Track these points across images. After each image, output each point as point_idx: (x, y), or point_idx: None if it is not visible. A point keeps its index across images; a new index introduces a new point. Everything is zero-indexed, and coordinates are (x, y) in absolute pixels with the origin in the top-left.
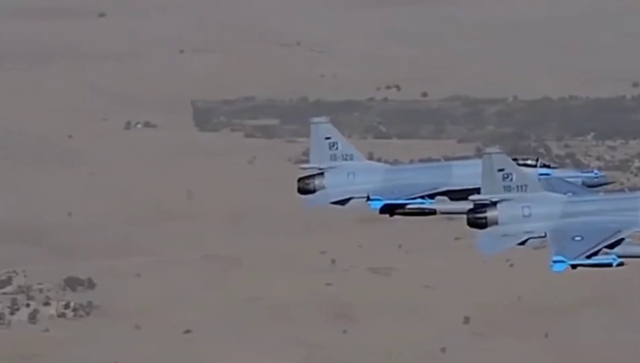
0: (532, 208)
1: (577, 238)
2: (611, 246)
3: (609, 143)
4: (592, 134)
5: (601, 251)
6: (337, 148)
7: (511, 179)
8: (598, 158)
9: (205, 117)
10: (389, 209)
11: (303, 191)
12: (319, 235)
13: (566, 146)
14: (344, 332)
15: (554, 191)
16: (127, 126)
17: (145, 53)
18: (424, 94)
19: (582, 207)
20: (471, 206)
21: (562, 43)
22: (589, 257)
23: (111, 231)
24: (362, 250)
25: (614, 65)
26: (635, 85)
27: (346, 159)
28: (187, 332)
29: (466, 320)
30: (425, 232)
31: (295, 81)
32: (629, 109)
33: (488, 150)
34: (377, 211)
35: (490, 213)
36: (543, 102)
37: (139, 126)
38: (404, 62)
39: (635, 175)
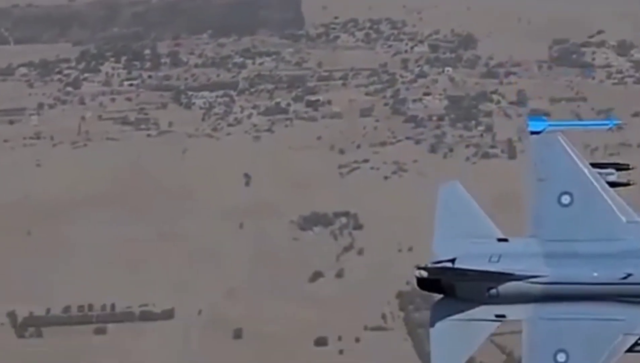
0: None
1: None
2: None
3: (222, 40)
4: (209, 32)
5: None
6: None
7: None
8: (200, 55)
9: None
10: None
11: None
12: None
13: (177, 45)
14: None
15: None
16: None
17: None
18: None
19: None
20: None
21: None
22: None
23: None
24: None
25: None
26: None
27: None
28: None
29: None
30: None
31: None
32: (262, 6)
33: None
34: None
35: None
36: (183, 2)
37: None
38: None
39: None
